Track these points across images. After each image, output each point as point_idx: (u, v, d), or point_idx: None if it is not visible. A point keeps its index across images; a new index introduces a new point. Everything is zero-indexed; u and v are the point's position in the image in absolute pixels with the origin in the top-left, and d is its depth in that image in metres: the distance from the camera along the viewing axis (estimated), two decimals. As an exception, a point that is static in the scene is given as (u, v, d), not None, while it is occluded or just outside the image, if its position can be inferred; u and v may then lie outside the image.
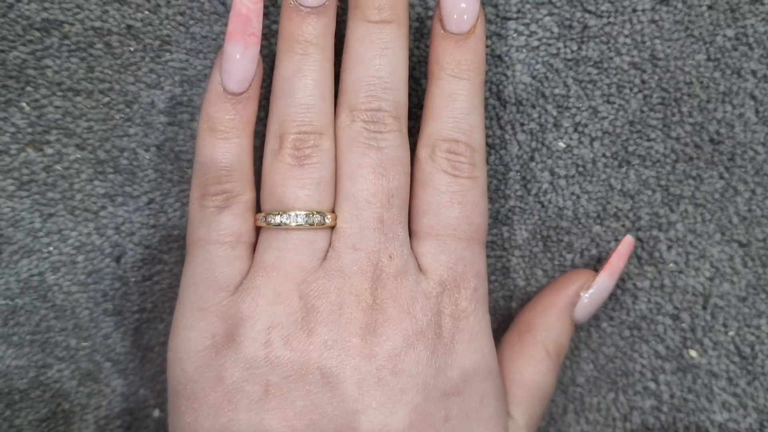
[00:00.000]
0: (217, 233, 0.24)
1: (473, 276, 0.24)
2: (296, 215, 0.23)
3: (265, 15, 0.27)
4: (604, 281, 0.26)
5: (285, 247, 0.23)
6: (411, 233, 0.24)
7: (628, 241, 0.27)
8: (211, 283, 0.24)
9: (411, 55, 0.28)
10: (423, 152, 0.24)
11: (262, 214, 0.24)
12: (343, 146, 0.24)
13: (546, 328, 0.26)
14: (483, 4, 0.28)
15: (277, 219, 0.23)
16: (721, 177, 0.28)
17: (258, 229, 0.24)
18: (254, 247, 0.24)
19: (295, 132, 0.24)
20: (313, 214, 0.23)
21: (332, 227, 0.24)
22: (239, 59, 0.24)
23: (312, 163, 0.24)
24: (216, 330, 0.23)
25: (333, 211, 0.24)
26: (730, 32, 0.28)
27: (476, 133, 0.24)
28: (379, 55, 0.24)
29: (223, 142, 0.24)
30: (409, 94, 0.25)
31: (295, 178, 0.23)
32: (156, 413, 0.29)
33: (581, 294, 0.26)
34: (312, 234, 0.23)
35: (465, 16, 0.24)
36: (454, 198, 0.24)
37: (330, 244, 0.23)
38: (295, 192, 0.23)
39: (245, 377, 0.22)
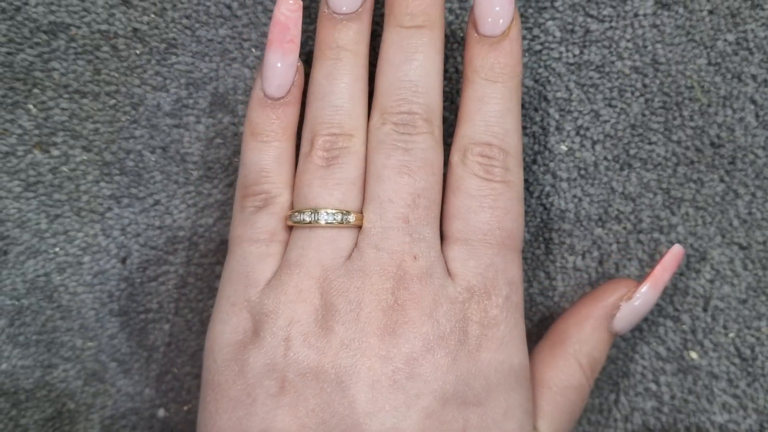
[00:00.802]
0: (253, 231, 0.24)
1: (505, 283, 0.23)
2: (318, 213, 0.23)
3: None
4: (646, 293, 0.25)
5: (309, 245, 0.23)
6: (442, 237, 0.24)
7: (675, 252, 0.26)
8: (244, 279, 0.24)
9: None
10: (455, 156, 0.24)
11: (291, 212, 0.24)
12: (372, 148, 0.24)
13: (579, 340, 0.25)
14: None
15: (301, 217, 0.24)
16: (722, 180, 0.28)
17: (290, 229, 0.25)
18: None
19: (325, 134, 0.24)
20: (336, 213, 0.23)
21: (359, 227, 0.24)
22: (278, 65, 0.24)
23: (339, 163, 0.24)
24: (246, 325, 0.23)
25: (361, 212, 0.24)
26: (730, 37, 0.28)
27: (510, 136, 0.24)
28: (410, 60, 0.24)
29: (263, 145, 0.25)
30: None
31: (320, 178, 0.24)
32: (161, 413, 0.29)
33: (621, 305, 0.25)
34: (335, 232, 0.23)
35: (499, 20, 0.24)
36: (485, 202, 0.24)
37: (356, 243, 0.24)
38: (319, 191, 0.24)
39: (264, 372, 0.22)
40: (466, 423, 0.22)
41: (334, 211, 0.23)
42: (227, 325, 0.24)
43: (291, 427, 0.22)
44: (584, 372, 0.25)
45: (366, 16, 0.25)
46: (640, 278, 0.29)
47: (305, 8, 0.28)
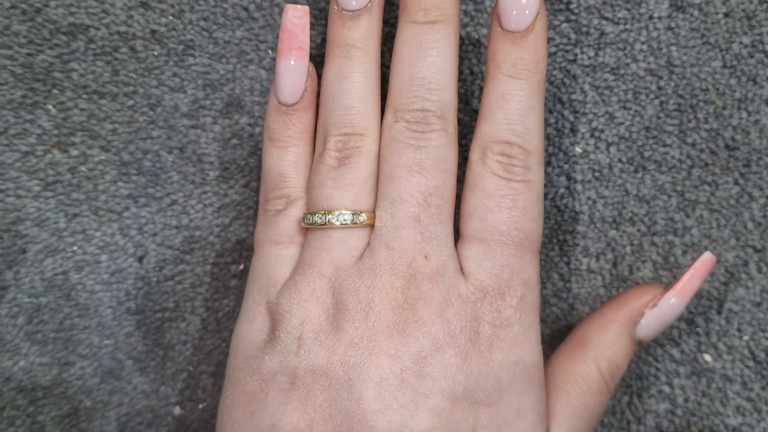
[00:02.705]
0: (273, 234, 0.25)
1: (520, 284, 0.23)
2: (330, 215, 0.23)
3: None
4: (672, 301, 0.25)
5: (321, 246, 0.24)
6: (458, 235, 0.24)
7: (706, 259, 0.25)
8: (265, 280, 0.24)
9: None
10: (474, 154, 0.24)
11: (305, 214, 0.24)
12: (385, 146, 0.24)
13: (600, 346, 0.25)
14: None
15: (314, 219, 0.24)
16: (737, 183, 0.28)
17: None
18: None
19: (336, 134, 0.24)
20: (347, 213, 0.23)
21: (371, 226, 0.24)
22: (289, 72, 0.25)
23: (351, 163, 0.24)
24: (267, 324, 0.24)
25: (373, 211, 0.24)
26: (746, 39, 0.28)
27: (532, 135, 0.23)
28: (423, 56, 0.23)
29: (280, 150, 0.25)
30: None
31: (332, 179, 0.24)
32: (176, 411, 0.30)
33: (645, 311, 0.25)
34: (347, 233, 0.23)
35: (525, 13, 0.23)
36: (503, 202, 0.23)
37: (368, 243, 0.23)
38: (331, 192, 0.24)
39: (277, 369, 0.23)
40: (476, 423, 0.22)
41: (345, 212, 0.23)
42: (253, 324, 0.24)
43: (299, 422, 0.22)
44: (604, 378, 0.25)
45: (376, 12, 0.24)
46: (654, 281, 0.29)
47: (321, 11, 0.28)
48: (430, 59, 0.23)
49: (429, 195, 0.23)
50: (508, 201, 0.23)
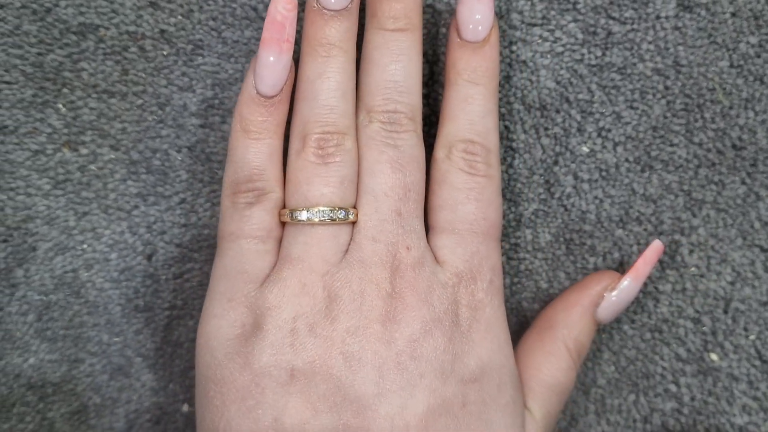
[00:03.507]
0: (249, 228, 0.25)
1: (489, 269, 0.25)
2: (321, 211, 0.24)
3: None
4: (628, 284, 0.27)
5: (310, 241, 0.24)
6: (428, 228, 0.25)
7: (655, 246, 0.27)
8: (242, 275, 0.25)
9: (424, 61, 0.29)
10: (440, 152, 0.26)
11: (287, 210, 0.25)
12: (363, 145, 0.25)
13: (567, 326, 0.27)
14: (509, 11, 0.28)
15: (304, 215, 0.24)
16: (743, 182, 0.28)
17: (284, 225, 0.25)
18: (281, 241, 0.25)
19: (319, 132, 0.25)
20: (336, 210, 0.24)
21: (354, 222, 0.25)
22: (273, 64, 0.25)
23: (336, 161, 0.25)
24: (245, 320, 0.24)
25: (354, 207, 0.25)
26: (753, 39, 0.28)
27: (491, 135, 0.26)
28: (395, 61, 0.25)
29: (255, 142, 0.25)
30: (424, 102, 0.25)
31: (319, 176, 0.24)
32: (185, 408, 0.30)
33: (605, 295, 0.27)
34: (336, 229, 0.24)
35: (480, 27, 0.25)
36: (471, 195, 0.25)
37: (351, 237, 0.25)
38: (319, 189, 0.24)
39: (272, 362, 0.23)
40: (465, 398, 0.23)
41: (333, 208, 0.24)
42: (224, 320, 0.24)
43: (303, 412, 0.23)
44: (571, 356, 0.26)
45: (355, 13, 0.25)
46: (661, 280, 0.29)
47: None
48: (401, 64, 0.25)
49: (408, 190, 0.25)
50: (475, 194, 0.25)
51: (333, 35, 0.25)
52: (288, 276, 0.24)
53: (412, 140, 0.25)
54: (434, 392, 0.23)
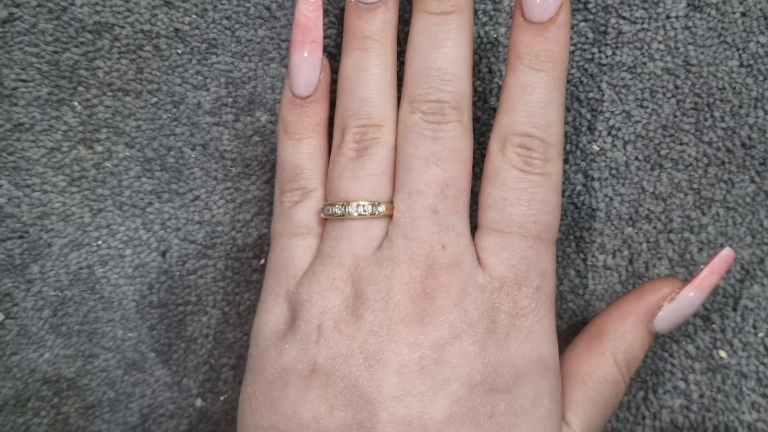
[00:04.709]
0: (291, 225, 0.25)
1: (537, 275, 0.23)
2: (349, 206, 0.24)
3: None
4: (690, 295, 0.25)
5: (340, 236, 0.24)
6: (475, 225, 0.24)
7: (725, 256, 0.25)
8: (284, 271, 0.25)
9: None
10: (494, 145, 0.24)
11: (324, 205, 0.25)
12: (401, 137, 0.24)
13: (618, 337, 0.25)
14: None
15: (333, 210, 0.24)
16: (753, 181, 0.29)
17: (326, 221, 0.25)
18: None
19: (355, 126, 0.24)
20: (365, 204, 0.24)
21: (390, 216, 0.24)
22: (302, 65, 0.25)
23: (369, 155, 0.24)
24: (287, 315, 0.25)
25: (391, 201, 0.24)
26: (763, 39, 0.28)
27: (552, 127, 0.23)
28: (438, 47, 0.24)
29: (295, 143, 0.26)
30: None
31: (351, 170, 0.24)
32: (198, 402, 0.30)
33: (663, 305, 0.25)
34: (366, 223, 0.24)
35: (548, 3, 0.23)
36: (522, 195, 0.23)
37: (386, 233, 0.24)
38: (350, 184, 0.24)
39: (298, 357, 0.23)
40: (494, 409, 0.22)
41: (364, 203, 0.24)
42: (271, 315, 0.25)
43: (319, 408, 0.22)
44: (620, 368, 0.25)
45: (393, 3, 0.25)
46: (670, 277, 0.29)
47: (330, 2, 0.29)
48: (445, 50, 0.24)
49: (446, 186, 0.23)
50: (527, 194, 0.23)
51: (368, 28, 0.24)
52: (319, 271, 0.24)
53: (455, 132, 0.23)
54: (458, 400, 0.22)
